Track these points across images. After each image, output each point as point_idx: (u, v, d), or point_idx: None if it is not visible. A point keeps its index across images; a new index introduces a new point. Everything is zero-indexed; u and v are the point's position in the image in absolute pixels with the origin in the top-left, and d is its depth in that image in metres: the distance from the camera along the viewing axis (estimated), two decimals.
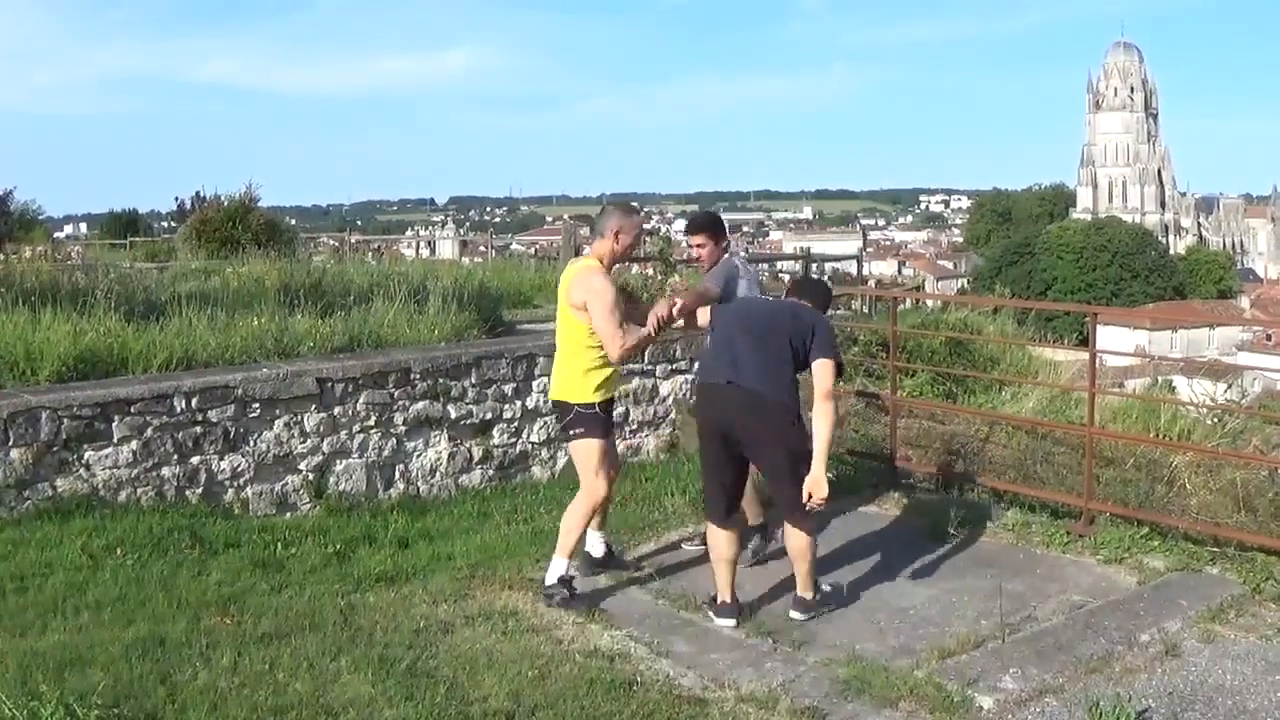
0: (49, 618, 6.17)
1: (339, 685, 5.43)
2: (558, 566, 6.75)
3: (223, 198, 26.82)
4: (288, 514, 8.50)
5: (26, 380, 8.43)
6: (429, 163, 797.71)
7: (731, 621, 6.42)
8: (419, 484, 9.16)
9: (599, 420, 6.80)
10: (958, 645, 6.05)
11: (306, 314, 10.35)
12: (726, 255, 7.47)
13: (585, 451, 6.82)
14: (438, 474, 9.25)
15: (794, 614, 6.56)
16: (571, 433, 6.85)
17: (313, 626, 6.17)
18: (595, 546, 7.29)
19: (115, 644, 5.76)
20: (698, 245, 7.54)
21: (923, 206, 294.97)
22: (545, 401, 9.71)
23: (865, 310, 18.54)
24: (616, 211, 7.01)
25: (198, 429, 8.21)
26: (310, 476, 8.67)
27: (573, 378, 6.81)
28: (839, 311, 15.24)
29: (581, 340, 6.75)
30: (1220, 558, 7.38)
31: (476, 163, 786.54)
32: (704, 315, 7.26)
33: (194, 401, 8.18)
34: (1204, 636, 6.20)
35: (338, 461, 8.79)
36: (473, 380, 9.44)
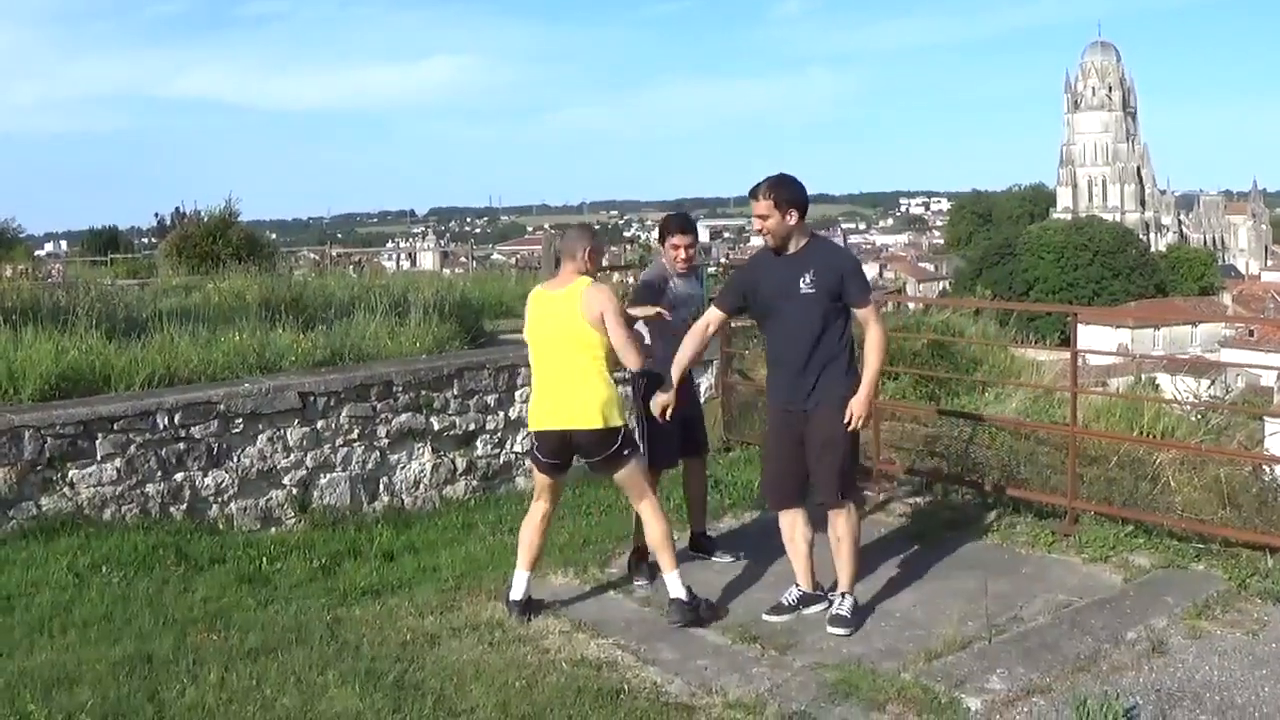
0: (36, 637, 6.16)
1: (327, 699, 5.42)
2: (675, 583, 6.50)
3: (203, 213, 26.81)
4: (272, 529, 8.48)
5: (9, 399, 8.41)
6: (408, 174, 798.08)
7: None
8: (403, 496, 9.15)
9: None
10: (944, 647, 6.05)
11: (288, 328, 10.35)
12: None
13: (637, 473, 6.62)
14: (421, 486, 9.23)
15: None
16: (625, 452, 6.51)
17: (299, 641, 6.15)
18: (519, 589, 6.72)
19: (102, 662, 5.75)
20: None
21: (903, 209, 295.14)
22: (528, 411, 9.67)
23: None
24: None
25: (181, 445, 8.19)
26: (294, 491, 8.65)
27: (608, 396, 6.48)
28: None
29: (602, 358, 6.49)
30: (1205, 554, 7.40)
31: (456, 173, 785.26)
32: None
33: (177, 418, 8.16)
34: (1190, 633, 6.22)
35: (322, 475, 8.77)
36: (455, 391, 9.42)
